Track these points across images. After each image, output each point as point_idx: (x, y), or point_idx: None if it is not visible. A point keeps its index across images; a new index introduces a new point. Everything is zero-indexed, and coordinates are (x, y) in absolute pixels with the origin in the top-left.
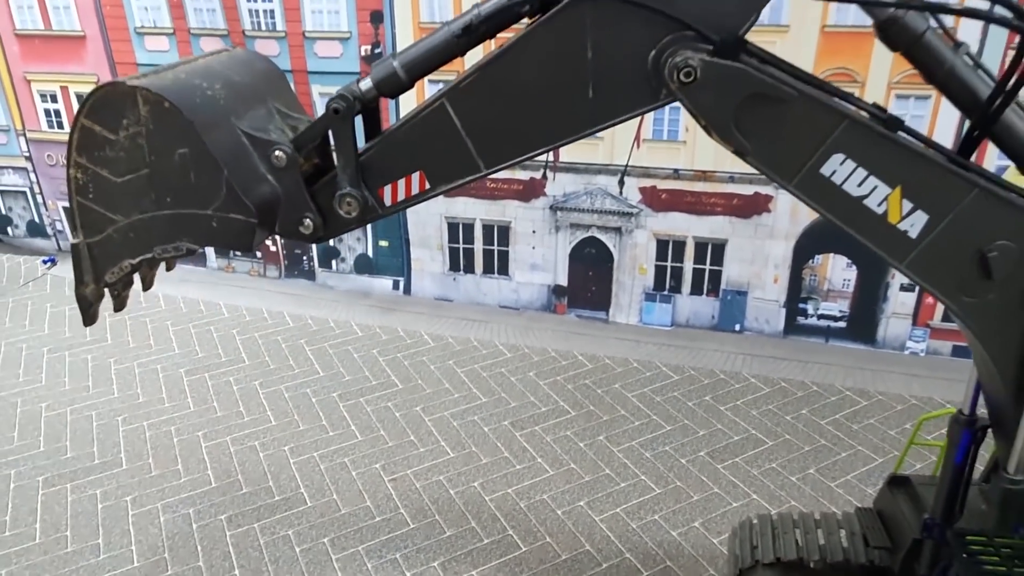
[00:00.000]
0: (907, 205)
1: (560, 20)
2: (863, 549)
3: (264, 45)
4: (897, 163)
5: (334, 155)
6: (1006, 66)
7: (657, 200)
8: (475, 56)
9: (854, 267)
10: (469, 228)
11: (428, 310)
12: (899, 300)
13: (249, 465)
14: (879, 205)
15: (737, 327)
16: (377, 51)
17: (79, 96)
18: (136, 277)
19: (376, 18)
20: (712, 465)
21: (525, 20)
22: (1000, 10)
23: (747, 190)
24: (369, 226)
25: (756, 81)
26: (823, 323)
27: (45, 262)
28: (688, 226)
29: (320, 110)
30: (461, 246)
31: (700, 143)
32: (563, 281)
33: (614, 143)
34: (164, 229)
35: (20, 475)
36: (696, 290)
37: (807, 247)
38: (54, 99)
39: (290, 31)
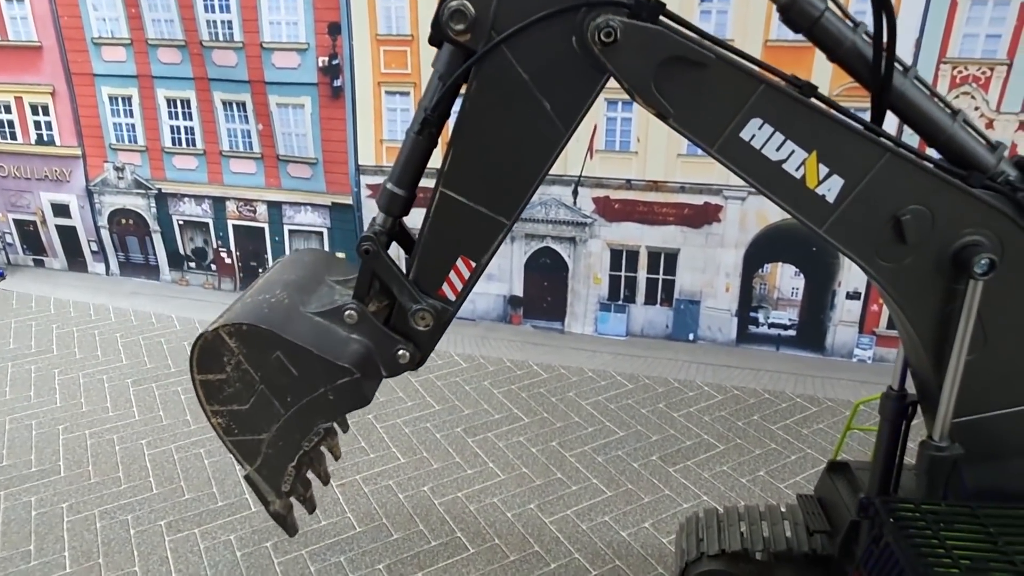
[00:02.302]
0: (823, 170)
1: (487, 71)
2: (806, 538)
3: (222, 55)
4: (813, 128)
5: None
6: None
7: (610, 210)
8: None
9: (802, 276)
10: None
11: None
12: (845, 308)
13: (193, 472)
14: (797, 170)
15: (691, 336)
16: (335, 62)
17: (34, 107)
18: (312, 475)
19: (334, 30)
20: (664, 468)
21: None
22: None
23: (697, 200)
24: (327, 238)
25: (674, 43)
26: (773, 332)
27: None
28: (641, 235)
29: (278, 118)
30: None
31: (652, 154)
32: (519, 291)
33: (567, 154)
34: (299, 423)
35: None
36: (650, 300)
37: (756, 256)
38: (8, 110)
39: (248, 42)
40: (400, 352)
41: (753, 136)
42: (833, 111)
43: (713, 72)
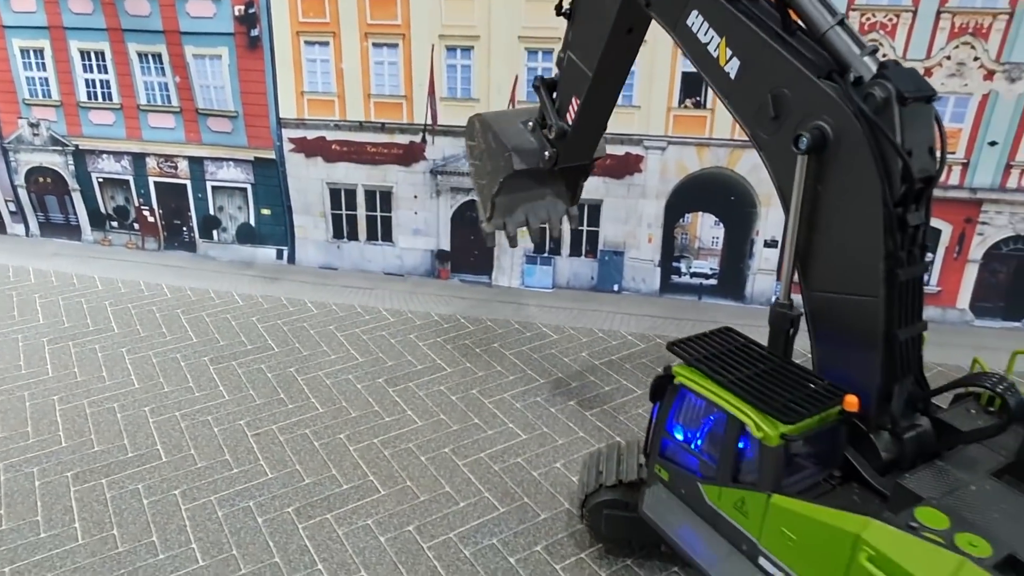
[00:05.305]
0: (728, 52)
1: None
2: None
3: (134, 5)
4: (724, 20)
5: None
6: None
7: None
8: None
9: (721, 225)
10: (351, 194)
11: (313, 279)
12: (764, 256)
13: (104, 425)
14: (715, 51)
15: (615, 287)
16: (251, 11)
17: None
18: (524, 232)
19: None
20: (580, 413)
21: None
22: None
23: (619, 150)
24: (251, 194)
25: None
26: (696, 281)
27: None
28: None
29: (195, 70)
30: (344, 212)
31: None
32: (446, 246)
33: (490, 105)
34: (492, 177)
35: None
36: (575, 251)
37: (677, 206)
38: None
39: None
40: (546, 153)
41: (692, 23)
42: (742, 8)
43: None
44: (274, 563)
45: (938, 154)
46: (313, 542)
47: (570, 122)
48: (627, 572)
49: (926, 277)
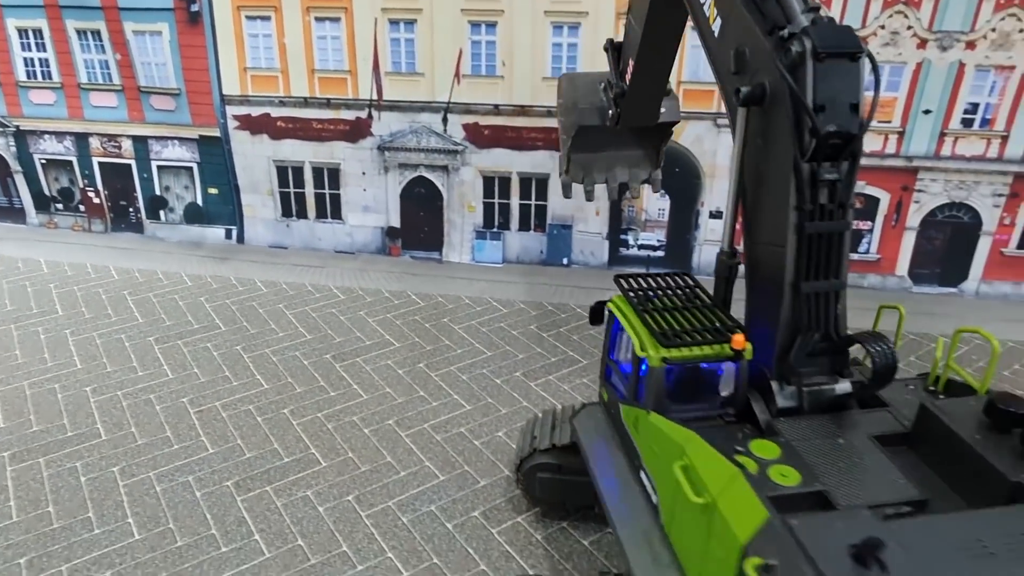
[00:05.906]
0: (715, 11)
1: None
2: None
3: None
4: None
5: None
6: None
7: (480, 136)
8: None
9: (667, 197)
10: (299, 171)
11: (263, 258)
12: (709, 227)
13: (44, 406)
14: (708, 9)
15: (565, 261)
16: None
17: None
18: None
19: None
20: (525, 383)
21: None
22: None
23: None
24: (197, 173)
25: None
26: (643, 253)
27: None
28: (511, 161)
29: (135, 47)
30: (292, 190)
31: (518, 78)
32: (396, 222)
33: (435, 79)
34: (566, 132)
35: None
36: (524, 226)
37: None
38: None
39: None
40: (610, 112)
41: None
42: None
43: None
44: (211, 535)
45: (864, 113)
46: (251, 514)
47: (627, 83)
48: (562, 534)
49: (865, 245)
